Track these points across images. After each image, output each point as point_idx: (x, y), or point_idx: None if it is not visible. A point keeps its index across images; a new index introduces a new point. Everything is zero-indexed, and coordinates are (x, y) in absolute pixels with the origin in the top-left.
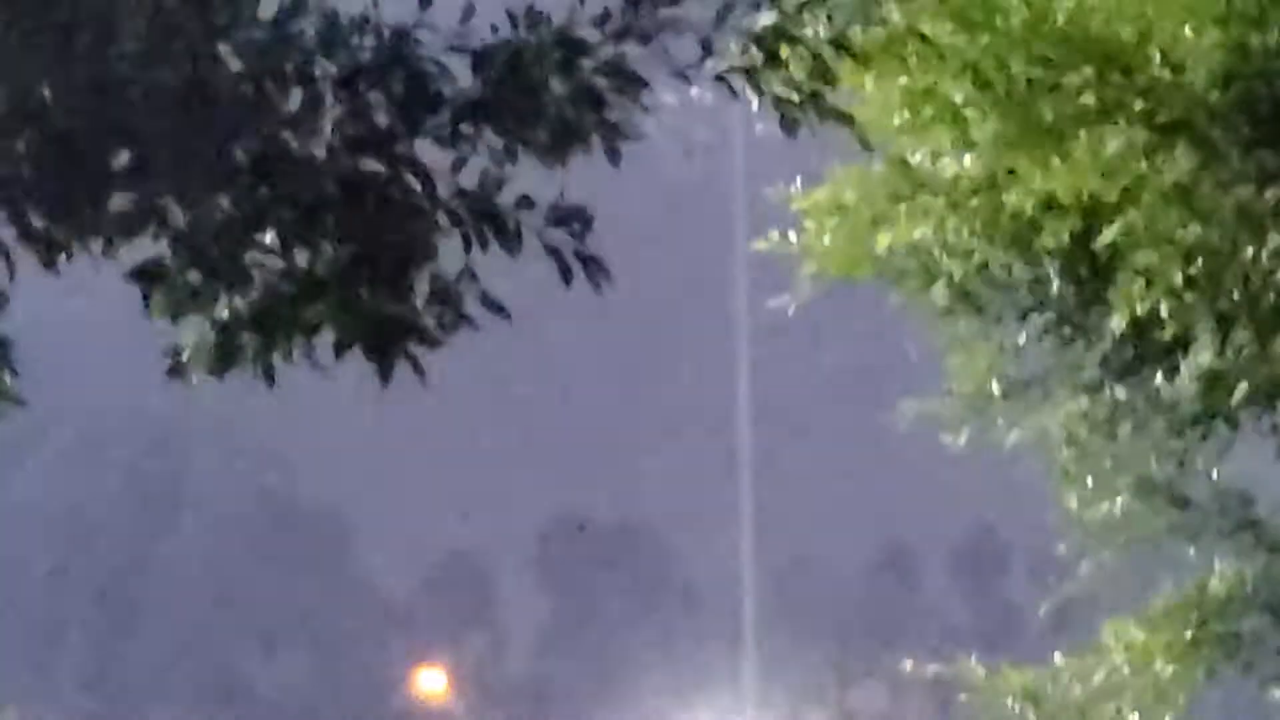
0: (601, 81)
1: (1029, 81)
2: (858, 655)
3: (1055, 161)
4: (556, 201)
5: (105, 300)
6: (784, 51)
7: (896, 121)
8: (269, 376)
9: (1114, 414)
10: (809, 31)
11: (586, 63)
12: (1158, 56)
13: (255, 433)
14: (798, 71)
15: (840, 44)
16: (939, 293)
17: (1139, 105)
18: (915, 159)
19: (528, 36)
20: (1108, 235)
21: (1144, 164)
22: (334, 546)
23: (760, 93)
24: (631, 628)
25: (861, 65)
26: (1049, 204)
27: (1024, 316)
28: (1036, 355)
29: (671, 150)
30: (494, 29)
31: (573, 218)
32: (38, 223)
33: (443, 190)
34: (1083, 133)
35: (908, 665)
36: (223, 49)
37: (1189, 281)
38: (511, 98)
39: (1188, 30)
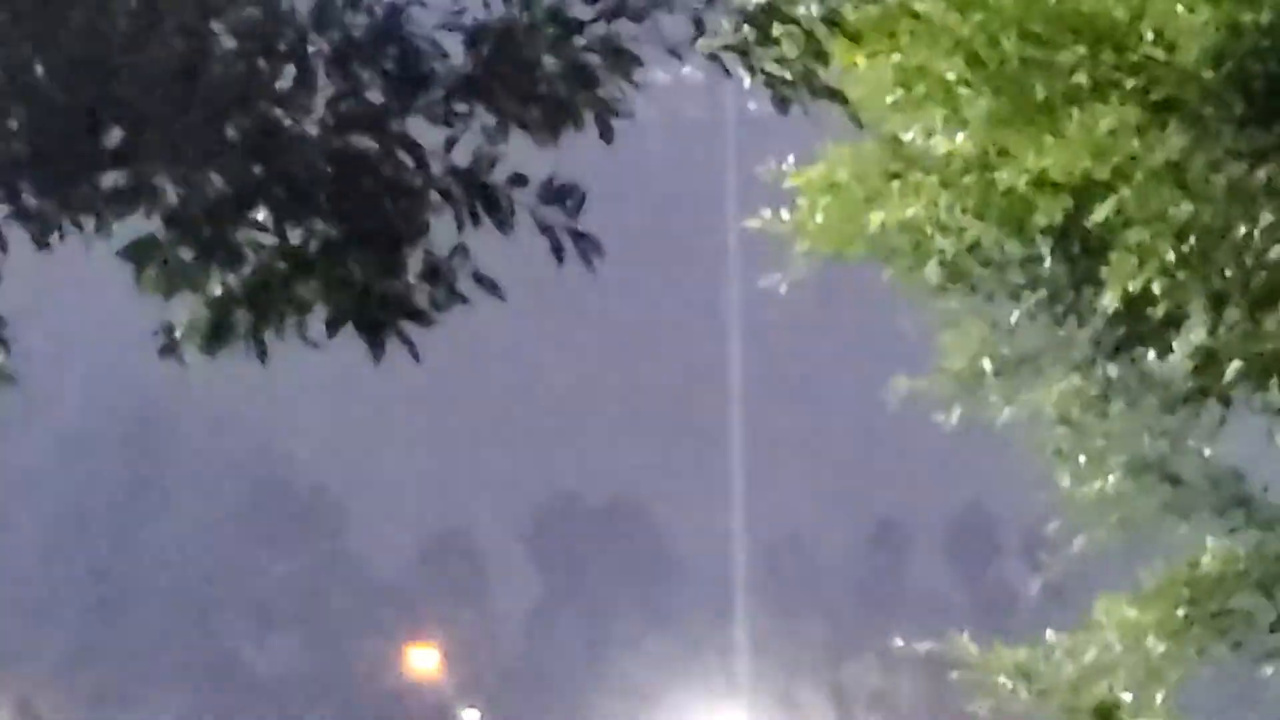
0: (594, 59)
1: (1021, 59)
2: (849, 632)
3: (1048, 139)
4: (549, 179)
5: (99, 279)
6: (776, 29)
7: (889, 99)
8: (261, 354)
9: (1106, 392)
10: (801, 9)
11: (579, 40)
12: (1150, 34)
13: (249, 412)
14: (790, 49)
15: (832, 21)
16: (931, 271)
17: (1131, 83)
18: (907, 137)
19: (520, 14)
20: (1100, 213)
21: (1136, 142)
22: (326, 525)
23: (752, 71)
24: (623, 605)
25: (854, 43)
26: (1041, 182)
27: (1016, 295)
28: (1029, 333)
29: (664, 128)
30: (486, 6)
31: (565, 195)
32: (31, 200)
33: (435, 167)
34: (1075, 111)
35: (899, 642)
36: (215, 26)
37: (1181, 259)
38: (504, 75)
39: (1180, 8)
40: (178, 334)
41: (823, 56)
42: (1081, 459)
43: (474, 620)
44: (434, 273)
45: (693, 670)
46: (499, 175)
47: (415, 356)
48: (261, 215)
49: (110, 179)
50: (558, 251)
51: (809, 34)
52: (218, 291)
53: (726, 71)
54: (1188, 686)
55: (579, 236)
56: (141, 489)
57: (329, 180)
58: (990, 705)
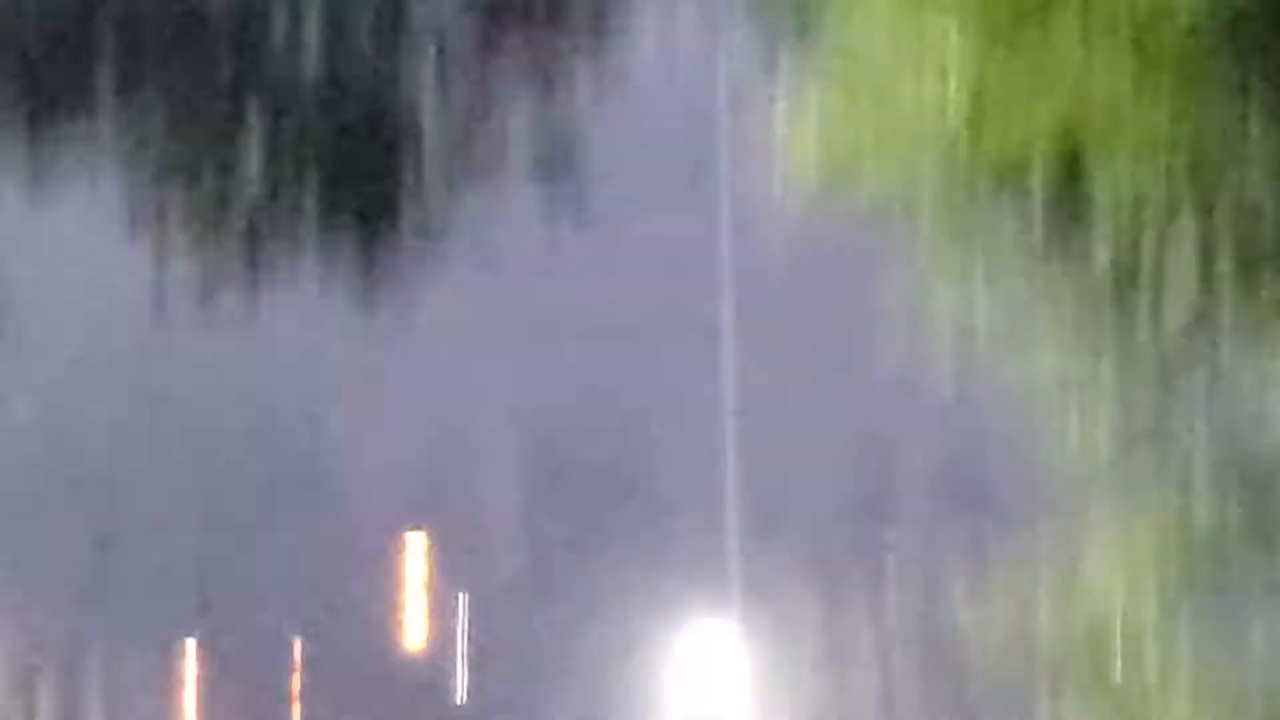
0: (586, 5)
1: (1016, 12)
2: (841, 548)
3: (1042, 94)
4: (542, 135)
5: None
6: None
7: (882, 52)
8: (253, 310)
9: (1099, 352)
10: None
11: None
12: None
13: (243, 353)
14: None
15: None
16: (923, 230)
17: (1127, 36)
18: (900, 91)
19: None
20: (1094, 170)
21: (1131, 96)
22: (317, 464)
23: (744, 20)
24: (611, 524)
25: None
26: (1035, 138)
27: (1008, 255)
28: (1021, 296)
29: (654, 76)
30: None
31: (559, 148)
32: (22, 136)
33: (428, 115)
34: (1070, 65)
35: (891, 561)
36: None
37: (1176, 216)
38: (494, 23)
39: None
40: (173, 291)
41: (815, 6)
42: (1073, 418)
43: (462, 530)
44: (426, 216)
45: (682, 584)
46: (492, 124)
47: (409, 297)
48: (254, 159)
49: (104, 123)
50: (549, 207)
51: None
52: (212, 248)
53: (717, 23)
54: (1180, 642)
55: (570, 191)
56: (135, 431)
57: (323, 124)
58: (981, 619)
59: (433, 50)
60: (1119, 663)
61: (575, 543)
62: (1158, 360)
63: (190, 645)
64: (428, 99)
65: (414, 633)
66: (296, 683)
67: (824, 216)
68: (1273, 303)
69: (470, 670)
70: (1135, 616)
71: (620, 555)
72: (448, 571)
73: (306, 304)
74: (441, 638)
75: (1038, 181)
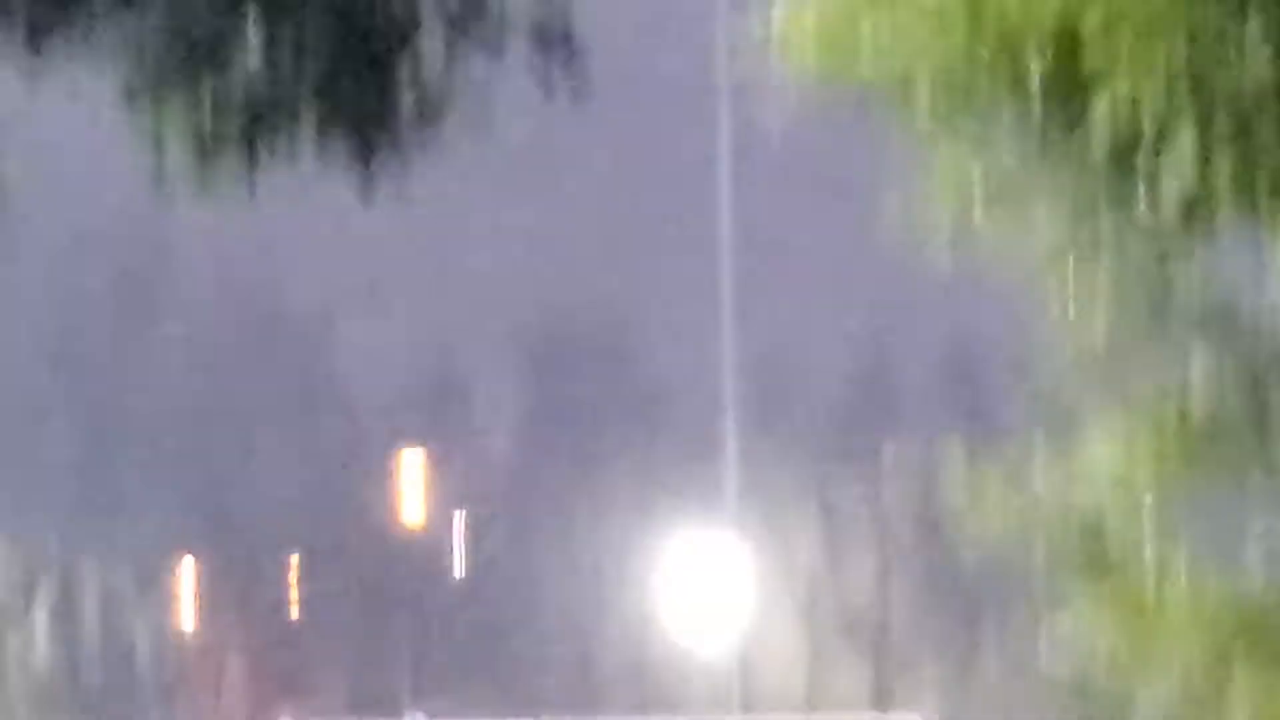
0: None
1: None
2: (838, 450)
3: None
4: (541, 8)
5: (93, 104)
6: None
7: None
8: (252, 188)
9: (1096, 225)
10: None
11: None
12: None
13: (240, 237)
14: None
15: None
16: (920, 112)
17: None
18: None
19: None
20: (1094, 48)
21: None
22: (316, 350)
23: None
24: (611, 420)
25: None
26: (1032, 25)
27: (1005, 137)
28: (1019, 174)
29: None
30: None
31: (558, 33)
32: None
33: None
34: None
35: (888, 459)
36: None
37: (1175, 95)
38: None
39: None
40: (170, 170)
41: None
42: (1070, 292)
43: (460, 434)
44: (424, 87)
45: (680, 486)
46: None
47: (405, 178)
48: (252, 28)
49: None
50: (547, 86)
51: None
52: (209, 125)
53: None
54: (1178, 511)
55: (569, 71)
56: (133, 317)
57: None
58: (979, 518)
59: None
60: (1117, 546)
61: (572, 434)
62: (1155, 240)
63: (189, 560)
64: None
65: (413, 514)
66: (294, 591)
67: (823, 101)
68: (1270, 183)
69: (468, 552)
70: (1133, 499)
71: (617, 451)
72: (446, 465)
73: (304, 183)
74: (439, 523)
75: (1036, 61)
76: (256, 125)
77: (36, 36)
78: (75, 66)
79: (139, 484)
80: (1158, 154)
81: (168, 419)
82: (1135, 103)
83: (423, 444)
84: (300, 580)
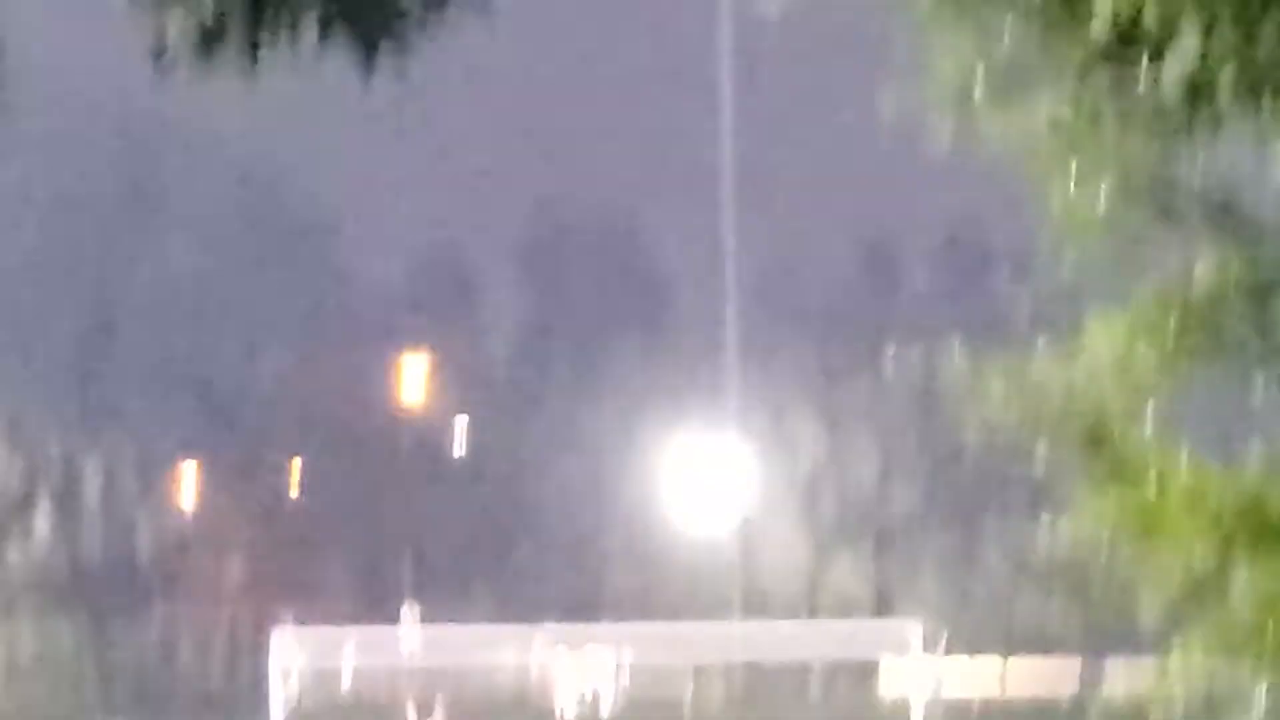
0: None
1: None
2: (839, 349)
3: None
4: None
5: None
6: None
7: None
8: (253, 67)
9: (1097, 108)
10: None
11: None
12: None
13: (240, 128)
14: None
15: None
16: None
17: None
18: None
19: None
20: None
21: None
22: (317, 242)
23: None
24: (613, 324)
25: None
26: None
27: (1007, 20)
28: (1021, 49)
29: None
30: None
31: None
32: None
33: None
34: None
35: (889, 359)
36: None
37: None
38: None
39: None
40: (170, 47)
41: None
42: (1072, 175)
43: (464, 335)
44: None
45: (682, 388)
46: None
47: (404, 71)
48: None
49: None
50: None
51: None
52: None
53: None
54: (1179, 402)
55: None
56: (133, 207)
57: None
58: (979, 420)
59: None
60: (1119, 436)
61: (574, 333)
62: (1158, 128)
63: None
64: None
65: (415, 412)
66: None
67: None
68: (1274, 72)
69: (470, 449)
70: (1135, 388)
71: (619, 351)
72: (447, 362)
73: (306, 69)
74: (441, 421)
75: None
76: (259, 10)
77: None
78: None
79: (140, 381)
80: (1160, 40)
81: (170, 312)
82: None
83: (425, 341)
84: (302, 479)
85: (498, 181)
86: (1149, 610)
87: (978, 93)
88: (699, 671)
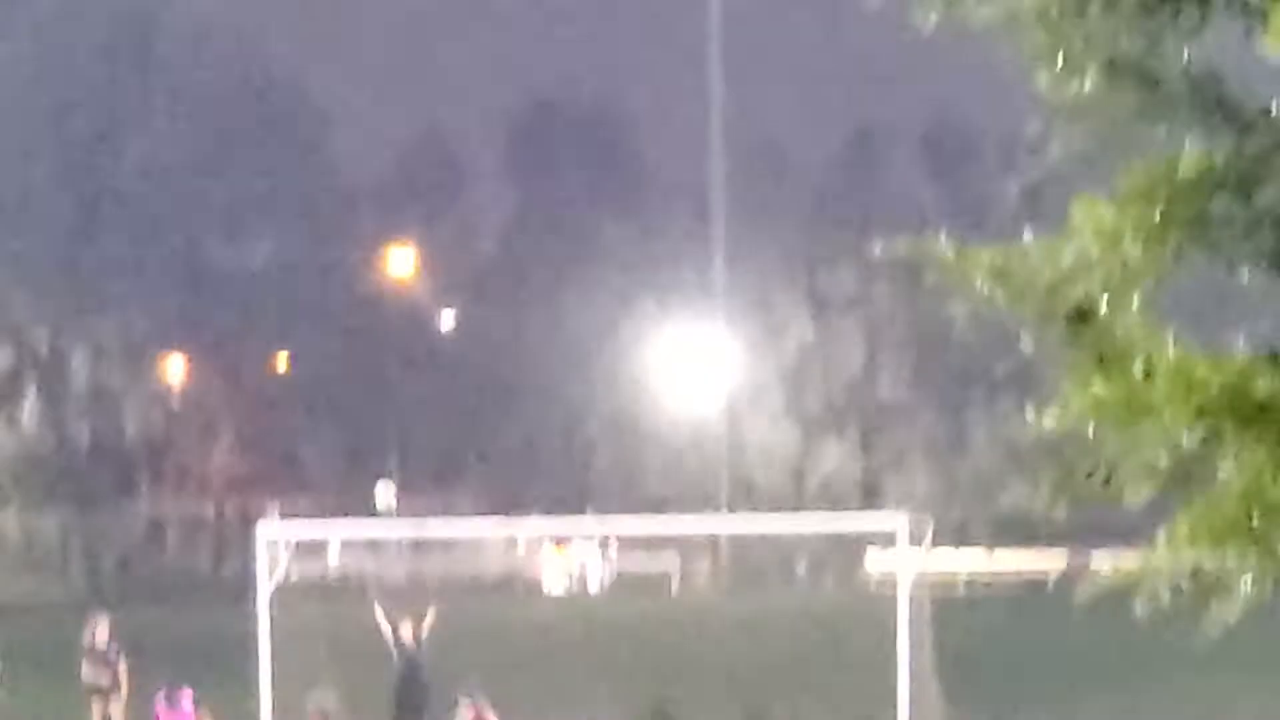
0: None
1: None
2: (826, 240)
3: None
4: None
5: None
6: None
7: None
8: None
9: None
10: None
11: None
12: None
13: (229, 12)
14: None
15: None
16: None
17: None
18: None
19: None
20: None
21: None
22: (305, 128)
23: None
24: (600, 211)
25: None
26: None
27: None
28: None
29: None
30: None
31: None
32: None
33: None
34: None
35: (876, 248)
36: None
37: None
38: None
39: None
40: None
41: None
42: (1058, 60)
43: (451, 223)
44: None
45: (669, 277)
46: None
47: None
48: None
49: None
50: None
51: None
52: None
53: None
54: (1164, 289)
55: None
56: (120, 90)
57: None
58: (966, 308)
59: None
60: (1105, 322)
61: (560, 224)
62: (1142, 5)
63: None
64: None
65: (400, 281)
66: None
67: None
68: None
69: (458, 338)
70: (1122, 274)
71: (605, 243)
72: (434, 253)
73: None
74: (429, 310)
75: None
76: None
77: None
78: None
79: (126, 268)
80: None
81: (158, 197)
82: None
83: (413, 229)
84: (288, 367)
85: (486, 69)
86: (1135, 498)
87: None
88: (686, 552)
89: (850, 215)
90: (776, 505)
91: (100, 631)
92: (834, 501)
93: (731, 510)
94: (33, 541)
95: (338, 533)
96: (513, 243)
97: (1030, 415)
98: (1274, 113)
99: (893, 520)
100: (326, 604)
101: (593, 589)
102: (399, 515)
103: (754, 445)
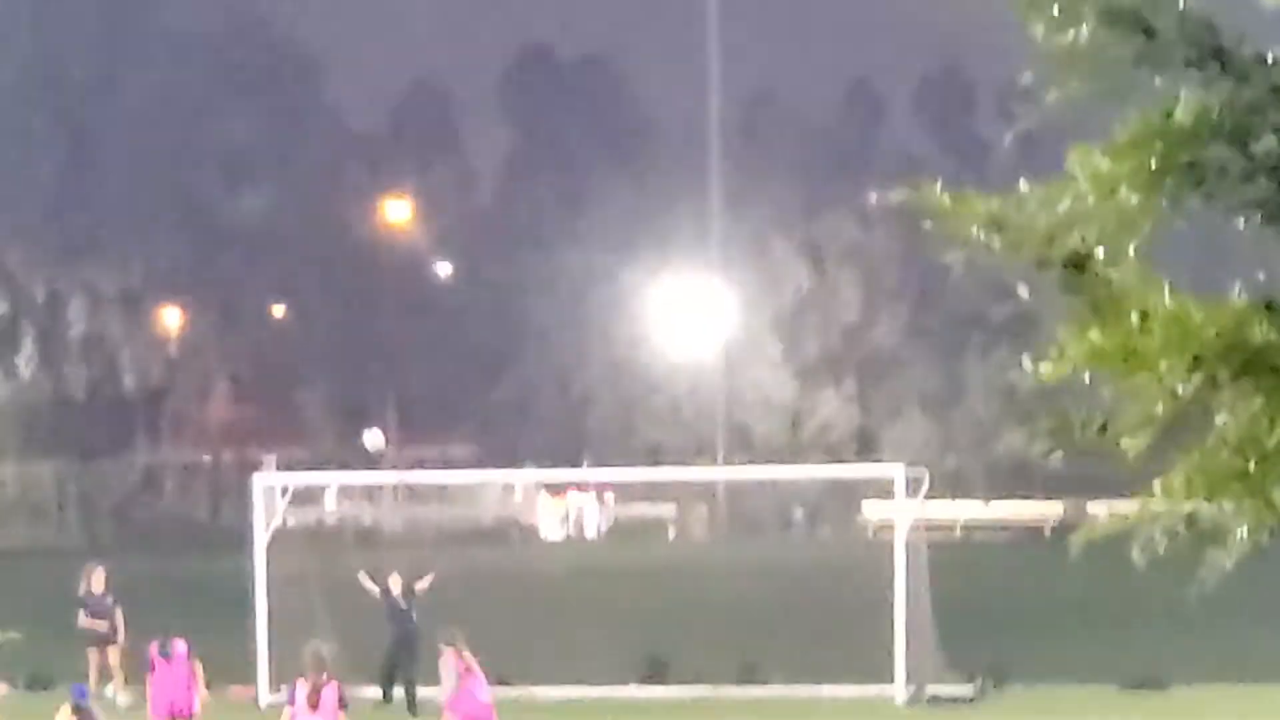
0: None
1: None
2: (823, 188)
3: None
4: None
5: None
6: None
7: None
8: None
9: None
10: None
11: None
12: None
13: None
14: None
15: None
16: None
17: None
18: None
19: None
20: None
21: None
22: (300, 76)
23: None
24: (596, 160)
25: None
26: None
27: None
28: None
29: None
30: None
31: None
32: None
33: None
34: None
35: (872, 196)
36: None
37: None
38: None
39: None
40: None
41: None
42: (1055, 9)
43: (447, 173)
44: None
45: (666, 226)
46: None
47: None
48: None
49: None
50: None
51: None
52: None
53: None
54: (1160, 238)
55: None
56: (116, 35)
57: None
58: (962, 256)
59: None
60: (1102, 271)
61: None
62: None
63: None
64: None
65: (399, 216)
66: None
67: None
68: None
69: (455, 290)
70: (1115, 208)
71: (605, 188)
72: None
73: None
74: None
75: None
76: None
77: None
78: None
79: (123, 215)
80: None
81: (154, 146)
82: None
83: (409, 179)
84: (285, 317)
85: (482, 17)
86: (1132, 446)
87: None
88: (683, 499)
89: (847, 163)
90: (773, 452)
91: (97, 580)
92: (831, 449)
93: (728, 458)
94: (29, 490)
95: (335, 481)
96: (509, 192)
97: (1026, 364)
98: (1270, 61)
99: (890, 470)
100: (323, 552)
101: (590, 535)
102: (395, 464)
103: (751, 393)
